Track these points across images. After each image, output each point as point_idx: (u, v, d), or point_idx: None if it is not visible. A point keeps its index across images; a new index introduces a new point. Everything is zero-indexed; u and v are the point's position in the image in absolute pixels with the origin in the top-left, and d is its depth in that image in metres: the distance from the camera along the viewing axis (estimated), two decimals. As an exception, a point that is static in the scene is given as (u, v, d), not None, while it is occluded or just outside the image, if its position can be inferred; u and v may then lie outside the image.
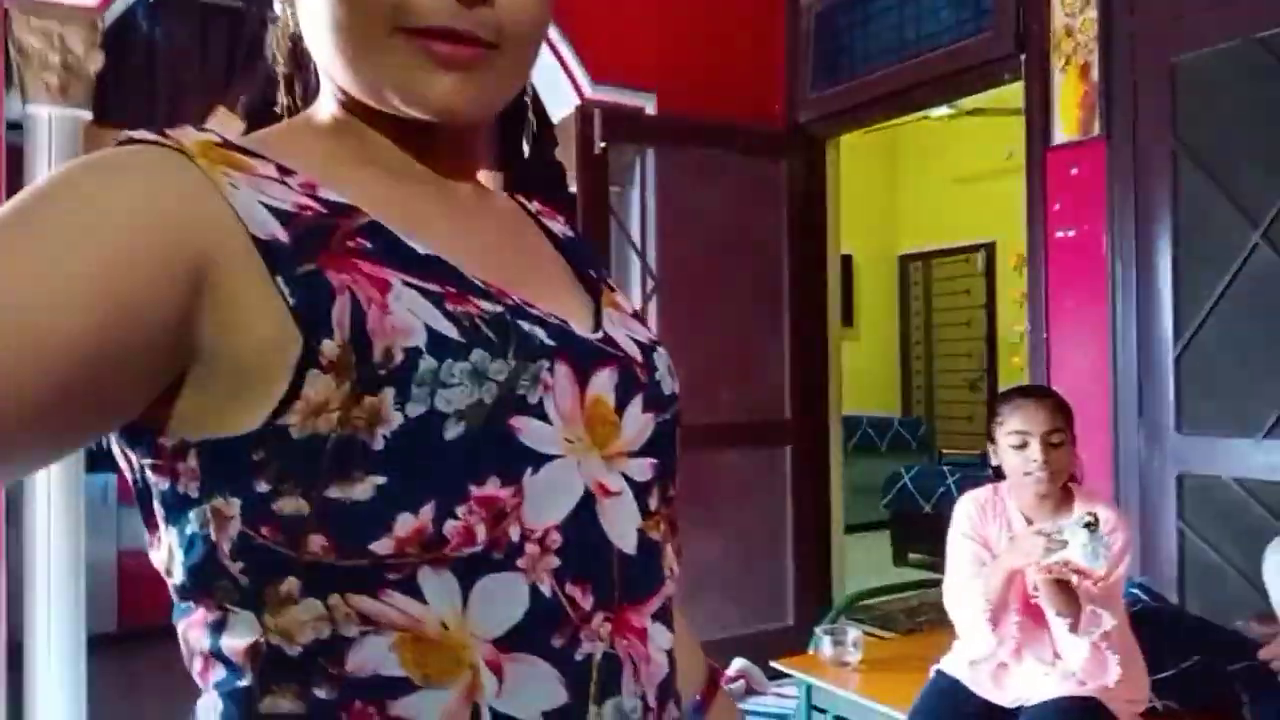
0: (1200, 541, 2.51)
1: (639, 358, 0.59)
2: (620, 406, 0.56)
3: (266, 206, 0.48)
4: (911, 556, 5.56)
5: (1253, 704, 1.87)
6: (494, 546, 0.49)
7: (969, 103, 5.43)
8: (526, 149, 0.78)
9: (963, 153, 6.69)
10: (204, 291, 0.46)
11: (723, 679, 0.75)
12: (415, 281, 0.49)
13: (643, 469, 0.57)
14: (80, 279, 0.43)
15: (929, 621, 4.04)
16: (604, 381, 0.55)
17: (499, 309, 0.51)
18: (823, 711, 2.52)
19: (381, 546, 0.47)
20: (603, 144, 3.26)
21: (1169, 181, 2.57)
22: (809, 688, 2.43)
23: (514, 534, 0.49)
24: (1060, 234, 2.82)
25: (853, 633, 2.46)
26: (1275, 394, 2.35)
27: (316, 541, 0.47)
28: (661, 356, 0.61)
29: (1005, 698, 1.87)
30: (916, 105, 3.47)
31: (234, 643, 0.49)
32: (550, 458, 0.51)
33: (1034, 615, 1.86)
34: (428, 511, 0.47)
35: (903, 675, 2.24)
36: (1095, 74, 2.70)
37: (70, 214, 0.44)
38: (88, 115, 2.63)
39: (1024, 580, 1.82)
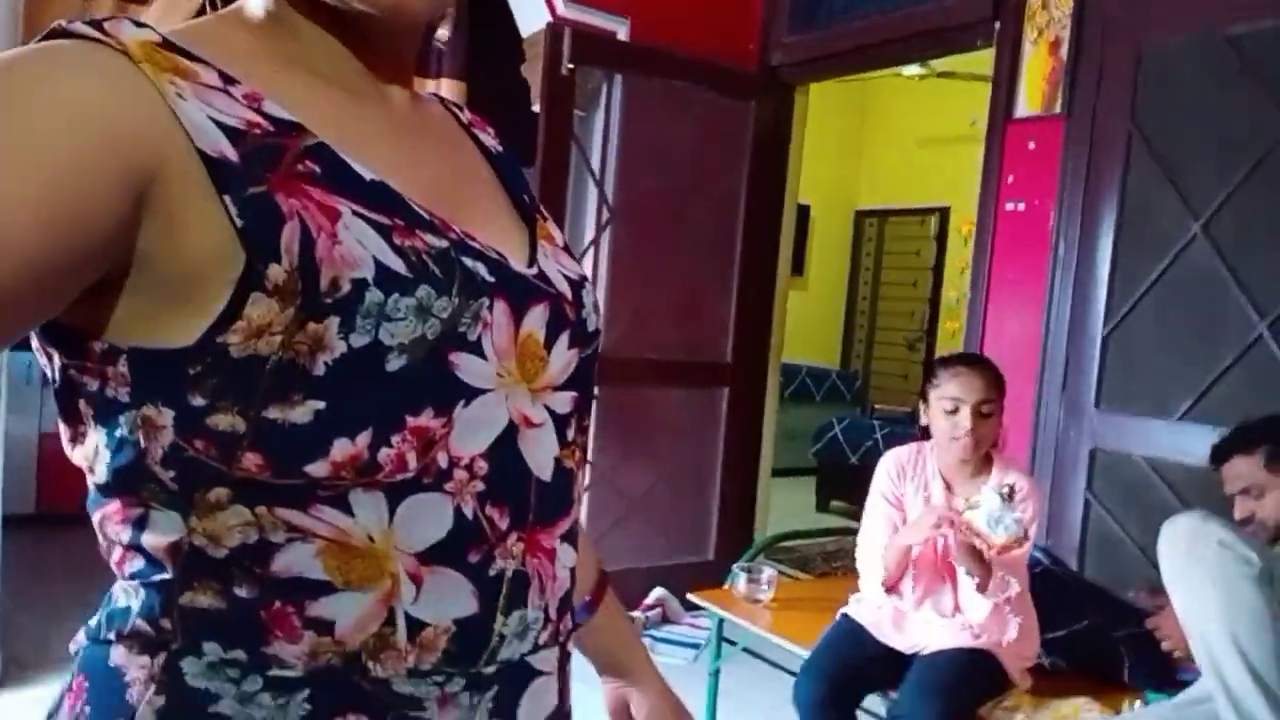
0: (1105, 514, 2.64)
1: (569, 294, 0.60)
2: (549, 343, 0.58)
3: (214, 121, 0.47)
4: (834, 504, 5.73)
5: (1133, 667, 1.99)
6: (424, 473, 0.51)
7: (941, 65, 5.42)
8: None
9: (929, 115, 6.71)
10: (146, 204, 0.45)
11: (609, 583, 0.80)
12: (364, 212, 0.49)
13: (564, 402, 0.59)
14: (21, 194, 0.42)
15: (844, 567, 4.19)
16: (536, 318, 0.57)
17: (444, 244, 0.52)
18: (733, 643, 2.62)
19: (317, 469, 0.48)
20: (570, 65, 3.20)
21: (1120, 166, 2.63)
22: (721, 620, 2.52)
23: (442, 461, 0.51)
24: (1010, 205, 2.87)
25: (768, 571, 2.55)
26: (1194, 381, 2.46)
27: (251, 460, 0.48)
28: (588, 293, 0.63)
29: (903, 643, 1.97)
30: (890, 60, 3.46)
31: (156, 539, 0.50)
32: (482, 391, 0.53)
33: (940, 570, 1.95)
34: (364, 439, 0.49)
35: (811, 615, 2.33)
36: (1064, 51, 2.73)
37: (8, 121, 0.43)
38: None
39: (935, 541, 1.91)
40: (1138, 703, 1.86)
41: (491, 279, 0.54)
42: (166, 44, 0.49)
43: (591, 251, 3.42)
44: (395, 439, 0.49)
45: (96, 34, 0.47)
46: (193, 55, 0.49)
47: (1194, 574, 1.45)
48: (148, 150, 0.45)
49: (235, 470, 0.48)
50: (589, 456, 0.67)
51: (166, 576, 0.50)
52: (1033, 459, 2.78)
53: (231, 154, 0.47)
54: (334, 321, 0.47)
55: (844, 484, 5.55)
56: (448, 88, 3.38)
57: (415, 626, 0.51)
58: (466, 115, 0.71)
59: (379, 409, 0.49)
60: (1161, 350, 2.54)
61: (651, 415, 3.55)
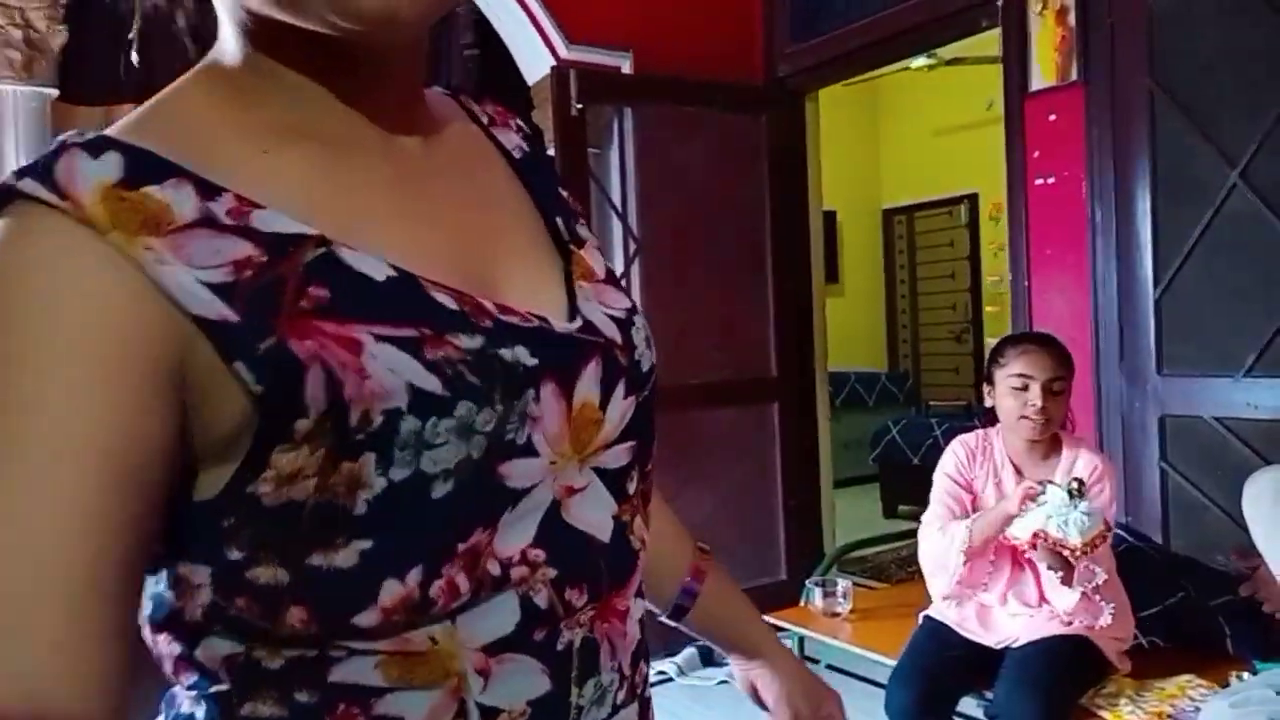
0: (1183, 480, 2.54)
1: (618, 338, 0.56)
2: (605, 400, 0.53)
3: (203, 283, 0.42)
4: (901, 508, 5.62)
5: (1235, 636, 1.91)
6: (479, 589, 0.47)
7: (948, 52, 5.38)
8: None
9: (943, 105, 6.65)
10: (178, 390, 0.43)
11: (710, 557, 0.77)
12: (387, 332, 0.44)
13: (618, 456, 0.55)
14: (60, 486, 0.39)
15: (919, 571, 4.09)
16: (589, 381, 0.52)
17: (478, 342, 0.47)
18: (815, 661, 2.56)
19: (365, 619, 0.45)
20: (579, 105, 3.23)
21: (1147, 124, 2.57)
22: (801, 639, 2.47)
23: (493, 569, 0.48)
24: (1039, 181, 2.82)
25: (842, 584, 2.49)
26: (1254, 333, 2.37)
27: (295, 614, 0.45)
28: (639, 329, 0.58)
29: (991, 639, 1.91)
30: (896, 55, 3.44)
31: (210, 654, 0.47)
32: (530, 489, 0.49)
33: (1018, 561, 1.89)
34: (415, 576, 0.45)
35: (892, 623, 2.27)
36: (1072, 18, 2.68)
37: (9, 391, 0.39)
38: (54, 93, 2.59)
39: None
40: (1245, 674, 1.77)
41: (534, 361, 0.49)
42: (132, 172, 0.42)
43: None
44: (446, 568, 0.46)
45: (52, 198, 0.41)
46: (163, 168, 0.43)
47: (1287, 530, 1.39)
48: (155, 341, 0.41)
49: (280, 629, 0.45)
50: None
51: (224, 688, 0.47)
52: (1099, 434, 2.69)
53: (230, 314, 0.42)
54: (370, 458, 0.43)
55: (908, 487, 5.43)
56: (462, 144, 3.43)
57: (489, 713, 0.49)
58: (486, 112, 0.63)
59: (428, 541, 0.46)
60: (1217, 305, 2.46)
61: (703, 439, 3.53)
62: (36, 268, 0.40)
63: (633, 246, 3.42)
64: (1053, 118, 2.77)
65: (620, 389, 0.54)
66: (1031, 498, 1.74)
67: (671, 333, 3.46)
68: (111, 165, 0.42)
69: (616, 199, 3.43)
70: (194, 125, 0.47)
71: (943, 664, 1.87)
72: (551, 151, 3.25)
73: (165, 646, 0.49)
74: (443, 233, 0.52)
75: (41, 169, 0.42)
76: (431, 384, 0.44)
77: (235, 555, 0.44)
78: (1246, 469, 2.29)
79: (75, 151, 0.42)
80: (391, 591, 0.45)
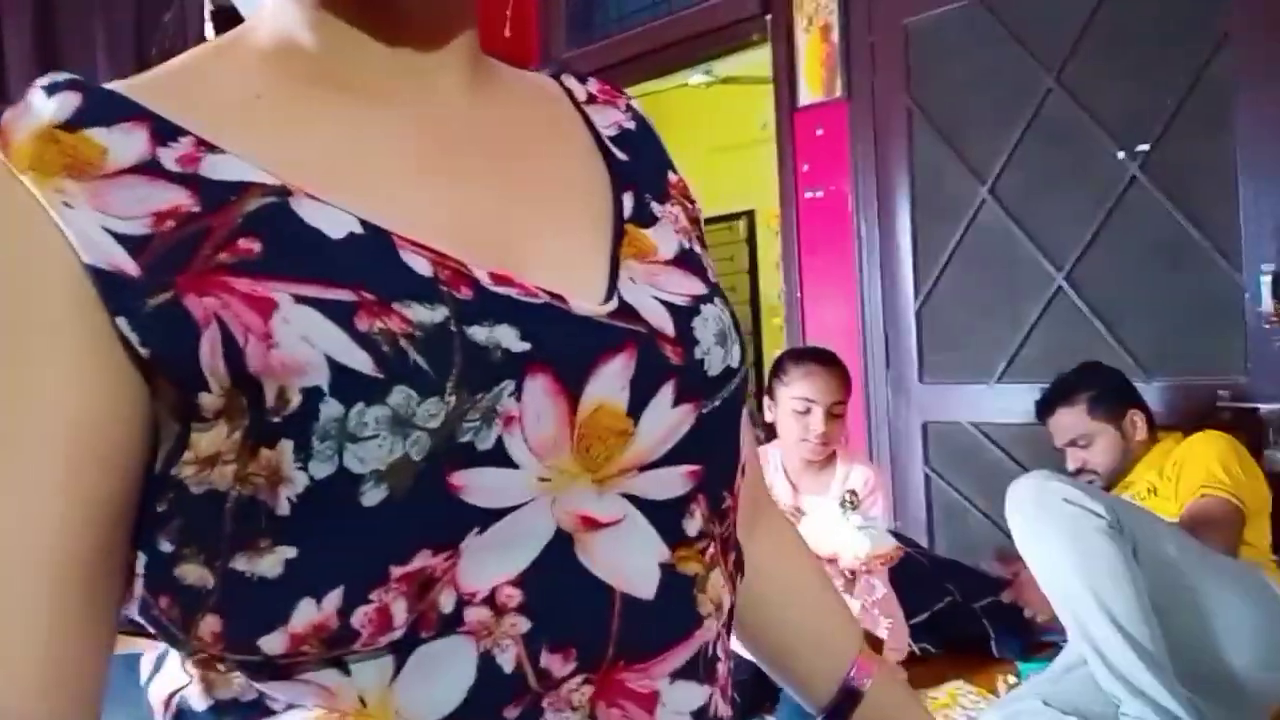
0: (945, 485, 2.65)
1: (669, 329, 0.43)
2: (637, 405, 0.41)
3: (111, 232, 0.37)
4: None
5: (998, 639, 1.96)
6: (420, 625, 0.38)
7: (724, 72, 5.52)
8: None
9: (721, 123, 6.83)
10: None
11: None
12: (314, 292, 0.36)
13: (667, 482, 0.43)
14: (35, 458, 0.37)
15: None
16: (610, 379, 0.40)
17: (439, 315, 0.37)
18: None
19: (271, 644, 0.37)
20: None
21: (905, 141, 2.66)
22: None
23: (447, 604, 0.38)
24: (809, 194, 2.87)
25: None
26: (1006, 341, 2.50)
27: (208, 625, 0.38)
28: (708, 321, 0.45)
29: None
30: (669, 66, 3.43)
31: (158, 688, 0.43)
32: (508, 511, 0.39)
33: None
34: (334, 599, 0.37)
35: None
36: (835, 35, 2.75)
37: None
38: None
39: None
40: (1010, 678, 1.81)
41: (524, 345, 0.38)
42: (82, 113, 0.38)
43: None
44: (375, 594, 0.37)
45: None
46: (121, 109, 0.39)
47: (1046, 535, 1.41)
48: (73, 295, 0.37)
49: (191, 639, 0.39)
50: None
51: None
52: (868, 442, 2.76)
53: (128, 266, 0.37)
54: (288, 446, 0.36)
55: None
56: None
57: None
58: (588, 90, 0.55)
59: (355, 558, 0.37)
60: (971, 316, 2.58)
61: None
62: None
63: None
64: (820, 132, 2.82)
65: (666, 393, 0.42)
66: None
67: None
68: (60, 105, 0.39)
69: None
70: (202, 75, 0.44)
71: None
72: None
73: (146, 664, 0.45)
74: (463, 198, 0.44)
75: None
76: (359, 360, 0.36)
77: (166, 547, 0.39)
78: (1000, 471, 2.41)
79: (34, 91, 0.40)
80: (305, 614, 0.37)
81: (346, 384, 0.36)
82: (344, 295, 0.37)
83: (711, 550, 0.45)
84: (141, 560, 0.39)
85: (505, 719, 0.39)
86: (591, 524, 0.40)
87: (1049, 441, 1.98)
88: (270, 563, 0.37)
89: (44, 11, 2.84)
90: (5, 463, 0.36)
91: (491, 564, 0.39)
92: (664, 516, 0.42)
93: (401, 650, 0.38)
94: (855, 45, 2.72)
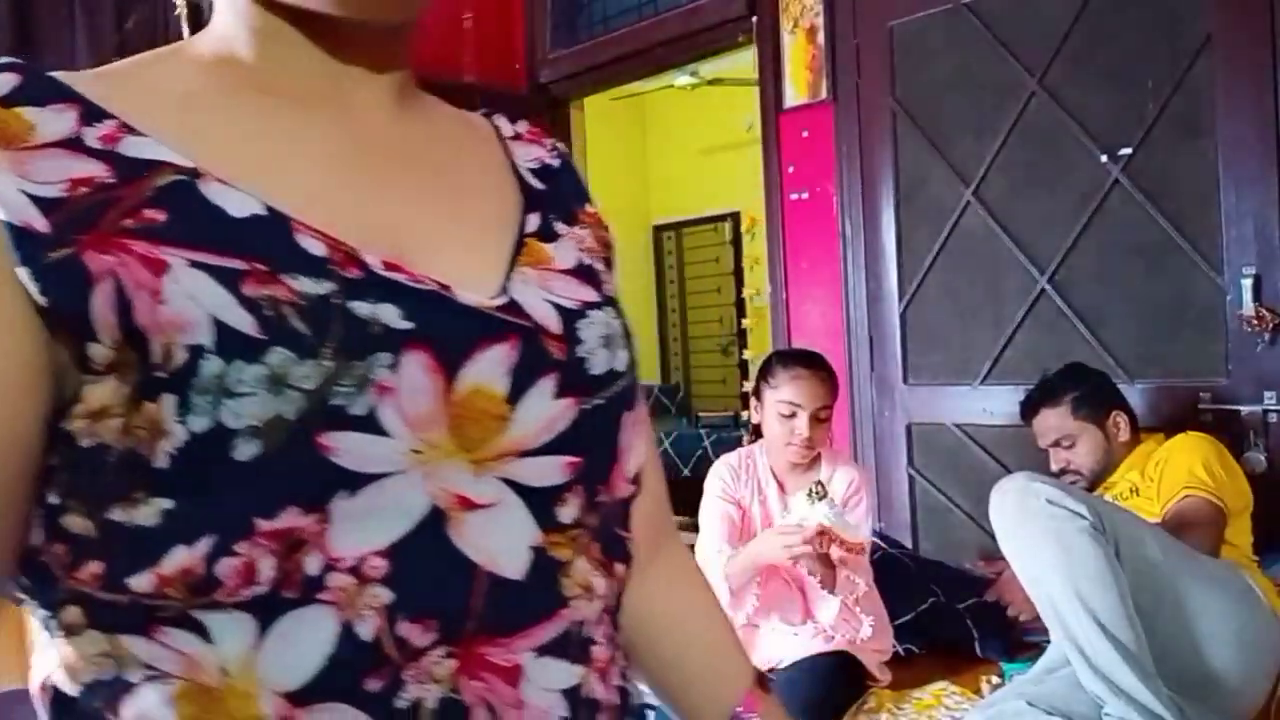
0: (929, 486, 2.65)
1: (555, 327, 0.46)
2: (518, 394, 0.44)
3: (26, 194, 0.40)
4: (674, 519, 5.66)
5: (982, 639, 1.97)
6: (284, 584, 0.39)
7: (710, 73, 5.52)
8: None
9: (706, 124, 6.84)
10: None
11: (767, 688, 0.63)
12: (206, 259, 0.39)
13: (545, 470, 0.45)
14: None
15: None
16: (489, 364, 0.43)
17: (324, 288, 0.40)
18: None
19: (140, 582, 0.39)
20: (322, 100, 2.94)
21: (890, 143, 2.67)
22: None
23: (311, 567, 0.40)
24: (794, 196, 2.87)
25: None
26: (989, 343, 2.51)
27: (89, 569, 0.40)
28: (595, 323, 0.49)
29: (757, 660, 1.85)
30: (654, 66, 3.42)
31: (35, 678, 0.44)
32: (378, 476, 0.40)
33: (784, 579, 1.86)
34: (203, 546, 0.39)
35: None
36: (821, 37, 2.75)
37: None
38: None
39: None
40: (994, 678, 1.82)
41: (407, 324, 0.41)
42: (19, 92, 0.42)
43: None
44: (241, 546, 0.39)
45: None
46: (54, 93, 0.43)
47: (1029, 536, 1.41)
48: None
49: (70, 579, 0.41)
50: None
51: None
52: (853, 443, 2.77)
53: (39, 222, 0.39)
54: (170, 401, 0.38)
55: (679, 499, 5.36)
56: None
57: None
58: (515, 129, 0.59)
59: (223, 510, 0.39)
60: (955, 318, 2.59)
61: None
62: None
63: (386, 256, 3.17)
64: (805, 134, 2.83)
65: (547, 385, 0.45)
66: (795, 550, 1.72)
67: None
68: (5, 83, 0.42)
69: (367, 204, 3.16)
70: (141, 71, 0.47)
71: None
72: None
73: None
74: (370, 197, 0.47)
75: None
76: (242, 321, 0.39)
77: (53, 500, 0.41)
78: (983, 471, 2.42)
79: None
80: (176, 558, 0.39)
81: (228, 342, 0.38)
82: (235, 264, 0.39)
83: (584, 538, 0.47)
84: (37, 514, 0.41)
85: (367, 689, 0.40)
86: (467, 504, 0.42)
87: (1033, 443, 1.99)
88: (146, 513, 0.39)
89: (21, 9, 2.81)
90: None
91: (362, 533, 0.40)
92: (539, 502, 0.45)
93: (263, 613, 0.39)
94: (840, 47, 2.72)
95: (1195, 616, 1.46)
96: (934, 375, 2.64)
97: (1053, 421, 1.91)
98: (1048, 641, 1.68)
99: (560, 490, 0.46)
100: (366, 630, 0.40)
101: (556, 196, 0.55)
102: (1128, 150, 2.24)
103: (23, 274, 0.38)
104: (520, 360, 0.44)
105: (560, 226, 0.54)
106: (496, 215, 0.52)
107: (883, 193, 2.69)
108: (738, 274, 7.27)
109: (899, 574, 2.12)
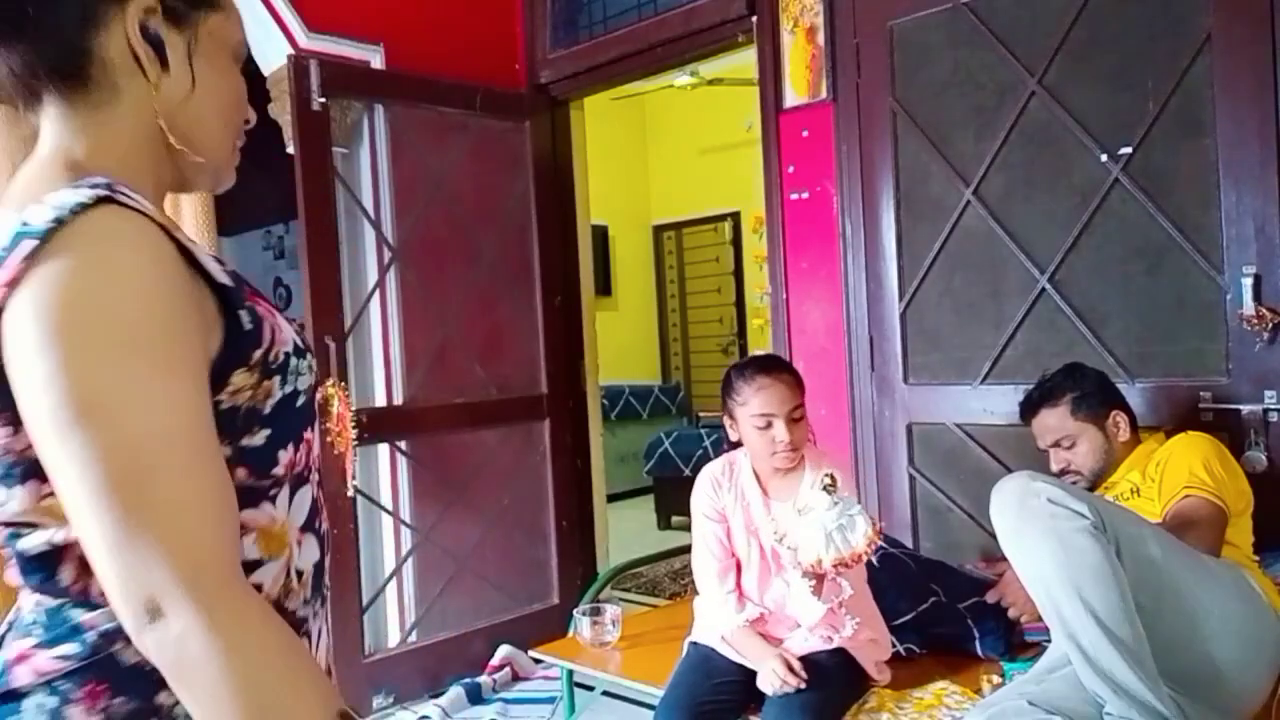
0: (930, 486, 2.65)
1: None
2: None
3: (216, 261, 0.71)
4: (674, 519, 5.66)
5: (983, 638, 1.97)
6: (307, 468, 0.78)
7: (710, 73, 5.52)
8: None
9: (706, 123, 6.84)
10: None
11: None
12: (282, 317, 0.77)
13: None
14: (177, 389, 0.65)
15: (692, 584, 4.10)
16: None
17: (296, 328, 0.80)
18: (589, 689, 2.43)
19: (277, 470, 0.74)
20: (322, 99, 2.94)
21: (890, 143, 2.67)
22: (569, 671, 2.33)
23: (313, 461, 0.80)
24: (794, 196, 2.87)
25: (611, 610, 2.38)
26: (989, 342, 2.51)
27: (240, 473, 0.71)
28: None
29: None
30: (654, 66, 3.41)
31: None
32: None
33: (783, 581, 1.86)
34: (291, 447, 0.75)
35: (663, 647, 2.19)
36: (821, 37, 2.75)
37: (145, 330, 0.63)
38: None
39: (765, 548, 1.81)
40: (995, 677, 1.82)
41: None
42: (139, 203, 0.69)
43: (377, 296, 3.16)
44: (301, 447, 0.77)
45: (141, 205, 0.66)
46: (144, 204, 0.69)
47: (1030, 535, 1.41)
48: (196, 295, 0.68)
49: (234, 480, 0.68)
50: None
51: None
52: (853, 442, 2.77)
53: (227, 280, 0.70)
54: (276, 379, 0.73)
55: (681, 498, 5.42)
56: (185, 138, 3.03)
57: (298, 574, 0.76)
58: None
59: (297, 430, 0.76)
60: (955, 317, 2.59)
61: (469, 463, 3.32)
62: (157, 246, 0.66)
63: (387, 255, 3.17)
64: (805, 134, 2.83)
65: None
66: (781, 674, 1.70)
67: (432, 348, 3.24)
68: (133, 194, 0.67)
69: (368, 203, 3.16)
70: (130, 181, 0.70)
71: (709, 692, 1.79)
72: (291, 149, 2.94)
73: None
74: None
75: (106, 187, 0.65)
76: (298, 341, 0.77)
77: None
78: (985, 474, 2.41)
79: (116, 183, 0.66)
80: (286, 455, 0.75)
81: (296, 352, 0.75)
82: (291, 321, 0.78)
83: None
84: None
85: (319, 527, 0.80)
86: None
87: (1033, 442, 1.99)
88: (260, 437, 0.72)
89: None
90: (193, 394, 0.65)
91: (315, 448, 0.81)
92: None
93: (293, 485, 0.76)
94: (840, 47, 2.72)
95: (1196, 616, 1.46)
96: (934, 375, 2.64)
97: (1052, 422, 1.91)
98: (1049, 641, 1.68)
99: None
100: (318, 495, 0.80)
101: None
102: (1128, 150, 2.25)
103: (243, 315, 0.69)
104: None
105: None
106: None
107: (883, 193, 2.69)
108: (738, 274, 7.27)
109: (899, 574, 2.12)
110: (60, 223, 0.60)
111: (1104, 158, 2.28)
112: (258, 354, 0.69)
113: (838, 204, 2.76)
